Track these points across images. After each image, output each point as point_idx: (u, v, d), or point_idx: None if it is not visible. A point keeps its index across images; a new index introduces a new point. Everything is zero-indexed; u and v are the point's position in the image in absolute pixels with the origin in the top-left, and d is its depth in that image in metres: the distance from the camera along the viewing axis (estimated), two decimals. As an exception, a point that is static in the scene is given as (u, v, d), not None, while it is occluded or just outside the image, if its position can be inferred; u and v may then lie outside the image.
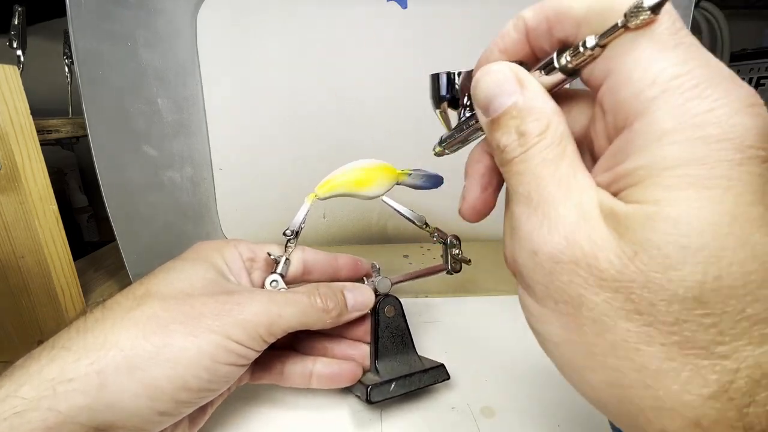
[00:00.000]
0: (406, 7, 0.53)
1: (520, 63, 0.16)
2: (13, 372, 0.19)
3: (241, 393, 0.29)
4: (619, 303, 0.12)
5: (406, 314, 0.30)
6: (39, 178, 0.33)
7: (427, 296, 0.44)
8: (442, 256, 0.33)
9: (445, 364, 0.29)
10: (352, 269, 0.32)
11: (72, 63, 0.49)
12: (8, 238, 0.33)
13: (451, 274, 0.33)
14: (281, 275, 0.29)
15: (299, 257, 0.30)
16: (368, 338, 0.30)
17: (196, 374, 0.21)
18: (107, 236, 0.51)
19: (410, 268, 0.37)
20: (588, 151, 0.16)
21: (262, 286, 0.29)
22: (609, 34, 0.13)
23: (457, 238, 0.32)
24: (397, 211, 0.31)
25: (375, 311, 0.29)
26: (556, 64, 0.15)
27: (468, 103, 0.20)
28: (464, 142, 0.21)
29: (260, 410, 0.29)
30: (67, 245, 0.36)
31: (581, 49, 0.14)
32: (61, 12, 0.34)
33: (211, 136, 0.57)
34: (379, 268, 0.32)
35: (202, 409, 0.25)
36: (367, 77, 0.56)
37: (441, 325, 0.39)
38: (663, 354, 0.12)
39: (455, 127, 0.20)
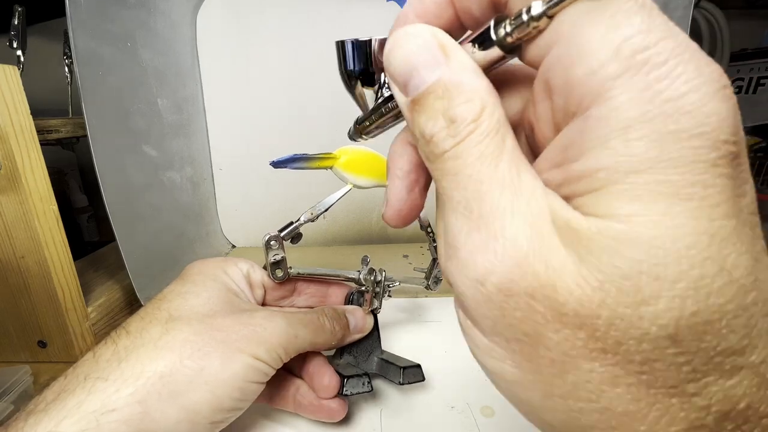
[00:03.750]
0: (406, 7, 0.53)
1: None
2: (47, 408, 0.19)
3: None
4: (581, 341, 0.10)
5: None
6: (39, 178, 0.33)
7: (427, 296, 0.44)
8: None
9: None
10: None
11: (72, 63, 0.49)
12: (8, 238, 0.33)
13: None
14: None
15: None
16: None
17: (231, 395, 0.22)
18: (107, 236, 0.51)
19: (411, 268, 0.37)
20: (525, 139, 0.14)
21: (263, 303, 0.30)
22: (560, 1, 0.10)
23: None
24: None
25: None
26: (493, 36, 0.12)
27: (386, 81, 0.16)
28: (383, 127, 0.17)
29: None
30: (67, 245, 0.36)
31: (524, 17, 0.11)
32: (61, 12, 0.34)
33: (211, 136, 0.57)
34: (369, 260, 0.32)
35: None
36: (367, 77, 0.56)
37: (441, 325, 0.39)
38: (629, 395, 0.10)
39: (371, 110, 0.17)
